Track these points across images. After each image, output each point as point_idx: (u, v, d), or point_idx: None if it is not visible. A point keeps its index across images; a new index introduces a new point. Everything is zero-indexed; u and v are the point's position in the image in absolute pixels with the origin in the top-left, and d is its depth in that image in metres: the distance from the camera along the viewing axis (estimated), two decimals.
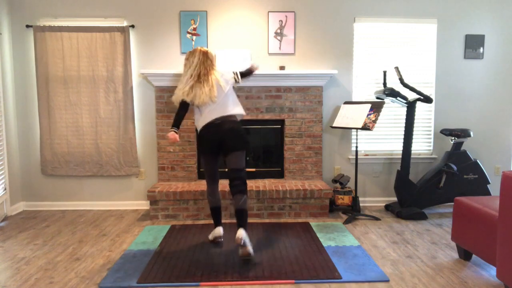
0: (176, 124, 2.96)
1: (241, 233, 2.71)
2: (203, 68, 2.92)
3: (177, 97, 2.94)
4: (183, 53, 4.09)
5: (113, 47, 4.00)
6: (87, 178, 4.20)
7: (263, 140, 4.24)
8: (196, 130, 3.05)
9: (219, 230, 3.13)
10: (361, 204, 4.33)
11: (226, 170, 2.96)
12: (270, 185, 3.89)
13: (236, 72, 3.05)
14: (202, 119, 2.92)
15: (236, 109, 2.99)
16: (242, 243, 2.68)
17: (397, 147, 4.31)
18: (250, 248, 2.72)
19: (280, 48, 4.12)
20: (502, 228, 2.18)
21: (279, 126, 4.20)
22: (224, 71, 3.04)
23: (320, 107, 4.14)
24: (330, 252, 2.90)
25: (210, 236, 3.18)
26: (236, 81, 3.04)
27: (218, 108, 2.91)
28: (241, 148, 2.89)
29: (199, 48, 2.98)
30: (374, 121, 3.62)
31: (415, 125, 4.11)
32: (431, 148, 4.34)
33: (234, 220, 3.72)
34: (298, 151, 4.17)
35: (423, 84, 4.25)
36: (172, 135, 2.93)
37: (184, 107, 2.96)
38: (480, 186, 3.87)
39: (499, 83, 4.28)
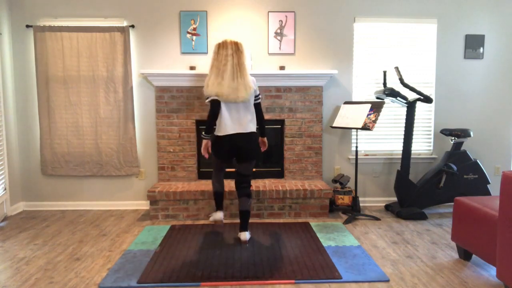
0: (210, 131, 2.95)
1: (246, 236, 3.05)
2: (237, 59, 2.86)
3: (210, 90, 2.85)
4: (183, 53, 4.09)
5: (113, 47, 4.00)
6: (87, 178, 4.20)
7: None
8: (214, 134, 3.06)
9: (220, 215, 3.32)
10: (361, 204, 4.33)
11: (234, 170, 3.17)
12: (270, 185, 3.89)
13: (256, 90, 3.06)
14: (224, 126, 2.91)
15: (254, 127, 3.05)
16: (247, 244, 3.02)
17: (397, 147, 4.31)
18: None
19: (280, 48, 4.12)
20: (502, 228, 2.18)
21: (279, 126, 4.20)
22: (252, 78, 3.04)
23: (320, 107, 4.14)
24: (330, 252, 2.90)
25: (211, 218, 3.37)
26: (256, 96, 3.05)
27: (244, 120, 2.93)
28: (255, 158, 3.08)
29: (229, 39, 2.92)
30: (374, 121, 3.62)
31: (415, 125, 4.12)
32: (431, 148, 4.34)
33: (235, 221, 3.72)
34: (298, 151, 4.17)
35: (423, 84, 4.25)
36: (206, 144, 3.01)
37: (218, 106, 2.89)
38: (480, 186, 3.87)
39: (499, 83, 4.28)
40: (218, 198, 3.31)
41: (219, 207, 3.34)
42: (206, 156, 3.02)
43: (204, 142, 3.02)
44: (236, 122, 2.93)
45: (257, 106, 3.08)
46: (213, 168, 3.27)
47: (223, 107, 2.92)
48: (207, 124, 2.93)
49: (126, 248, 3.04)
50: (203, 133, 2.99)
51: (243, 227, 3.08)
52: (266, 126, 4.15)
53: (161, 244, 3.09)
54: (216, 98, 2.88)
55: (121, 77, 4.03)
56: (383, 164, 4.31)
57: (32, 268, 2.67)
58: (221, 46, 2.90)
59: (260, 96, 3.08)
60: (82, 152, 4.10)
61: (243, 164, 3.05)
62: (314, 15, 4.13)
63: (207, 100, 2.95)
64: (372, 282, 2.44)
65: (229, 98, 2.84)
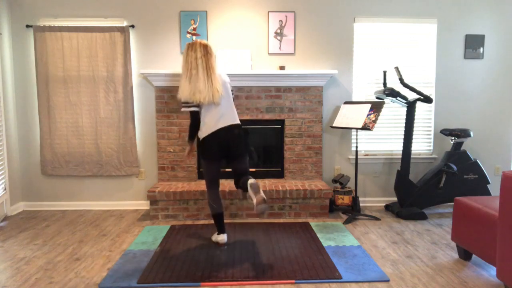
0: (193, 137, 2.95)
1: (253, 180, 2.67)
2: (206, 62, 2.84)
3: (187, 97, 2.83)
4: (183, 53, 4.09)
5: (113, 47, 4.00)
6: (87, 178, 4.20)
7: (263, 140, 4.24)
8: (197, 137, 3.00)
9: (224, 238, 3.05)
10: (361, 204, 4.33)
11: (231, 170, 3.04)
12: (270, 185, 3.89)
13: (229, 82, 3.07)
14: (207, 127, 2.86)
15: (237, 117, 3.00)
16: (264, 199, 2.59)
17: (397, 147, 4.31)
18: (263, 194, 2.64)
19: (280, 48, 4.12)
20: (502, 228, 2.18)
21: (279, 126, 4.20)
22: (222, 73, 3.02)
23: (320, 107, 4.14)
24: (330, 252, 2.90)
25: (214, 239, 3.13)
26: (232, 90, 3.07)
27: (225, 115, 2.89)
28: (246, 152, 2.98)
29: (198, 41, 2.89)
30: (374, 121, 3.62)
31: (415, 125, 4.12)
32: (431, 148, 4.34)
33: (235, 220, 3.72)
34: (298, 151, 4.17)
35: (423, 84, 4.25)
36: (192, 148, 3.01)
37: (197, 115, 2.90)
38: (480, 186, 3.87)
39: (499, 83, 4.28)
40: (219, 220, 3.03)
41: (222, 229, 3.05)
42: (190, 158, 3.00)
43: (188, 148, 3.04)
44: (218, 118, 2.87)
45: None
46: (207, 184, 3.02)
47: (203, 109, 2.88)
48: (190, 132, 2.95)
49: (126, 248, 3.04)
50: (187, 139, 3.00)
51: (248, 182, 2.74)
52: (266, 126, 4.16)
53: (161, 244, 3.09)
54: (194, 109, 2.87)
55: (121, 77, 4.03)
56: (383, 164, 4.31)
57: (32, 268, 2.67)
58: (190, 48, 2.87)
59: (232, 89, 3.08)
60: (82, 152, 4.10)
61: (237, 161, 2.93)
62: (314, 15, 4.13)
63: (184, 109, 2.90)
64: (372, 282, 2.44)
65: (205, 101, 2.82)
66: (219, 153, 2.89)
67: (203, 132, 2.89)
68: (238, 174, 2.96)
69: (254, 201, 2.60)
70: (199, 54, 2.84)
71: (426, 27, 4.20)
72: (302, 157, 4.17)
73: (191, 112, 2.90)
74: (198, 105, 2.87)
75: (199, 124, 2.92)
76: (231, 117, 2.93)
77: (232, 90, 3.06)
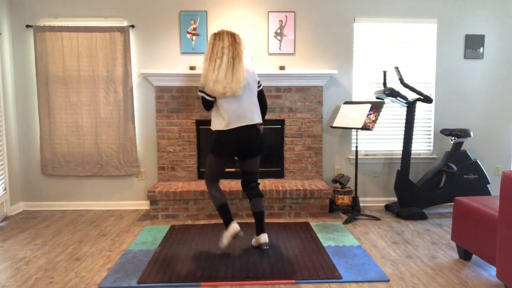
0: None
1: (266, 238, 2.92)
2: (233, 51, 2.74)
3: (206, 85, 2.74)
4: (183, 53, 4.09)
5: (113, 47, 4.00)
6: (87, 178, 4.20)
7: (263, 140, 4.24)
8: (215, 131, 2.88)
9: (236, 226, 2.85)
10: (361, 204, 4.33)
11: (239, 170, 3.00)
12: (270, 185, 3.89)
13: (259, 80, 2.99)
14: (226, 120, 2.76)
15: (259, 117, 2.91)
16: (267, 247, 2.93)
17: (397, 147, 4.31)
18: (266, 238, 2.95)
19: (280, 48, 4.12)
20: (502, 228, 2.18)
21: (279, 126, 4.20)
22: (250, 68, 2.91)
23: (320, 107, 4.14)
24: (330, 252, 2.90)
25: (226, 240, 2.87)
26: (259, 85, 2.96)
27: (247, 112, 2.80)
28: (261, 152, 2.94)
29: (225, 30, 2.80)
30: (374, 121, 3.62)
31: (415, 125, 4.11)
32: (431, 148, 4.34)
33: (236, 220, 3.71)
34: (298, 151, 4.17)
35: (423, 84, 4.25)
36: None
37: (210, 104, 2.82)
38: (480, 186, 3.87)
39: (499, 83, 4.28)
40: (225, 211, 2.88)
41: (230, 219, 2.88)
42: None
43: None
44: (239, 114, 2.77)
45: (260, 93, 2.97)
46: (209, 177, 2.91)
47: (223, 101, 2.76)
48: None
49: (126, 248, 3.04)
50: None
51: (261, 228, 2.91)
52: (266, 126, 4.15)
53: (161, 244, 3.09)
54: (209, 98, 2.78)
55: (121, 77, 4.03)
56: (383, 164, 4.31)
57: (32, 268, 2.67)
58: (217, 37, 2.77)
59: (261, 83, 2.98)
60: (82, 152, 4.10)
61: (250, 161, 2.89)
62: (314, 15, 4.13)
63: (199, 93, 2.81)
64: (372, 282, 2.44)
65: (226, 94, 2.72)
66: (233, 151, 2.82)
67: (220, 125, 2.78)
68: (247, 173, 2.94)
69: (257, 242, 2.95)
70: (226, 43, 2.74)
71: (426, 27, 4.20)
72: (302, 157, 4.17)
73: (204, 99, 2.81)
74: (212, 96, 2.78)
75: (210, 110, 2.87)
76: (253, 115, 2.82)
77: (259, 86, 2.94)
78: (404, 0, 4.15)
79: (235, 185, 3.92)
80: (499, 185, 4.40)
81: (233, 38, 2.78)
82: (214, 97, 2.79)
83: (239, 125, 2.77)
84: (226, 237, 2.86)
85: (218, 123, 2.81)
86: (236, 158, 2.97)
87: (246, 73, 2.80)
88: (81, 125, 4.08)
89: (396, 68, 3.75)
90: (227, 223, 2.88)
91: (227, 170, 4.15)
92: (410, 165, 4.26)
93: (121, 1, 4.05)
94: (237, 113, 2.77)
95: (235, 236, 2.86)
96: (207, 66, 2.76)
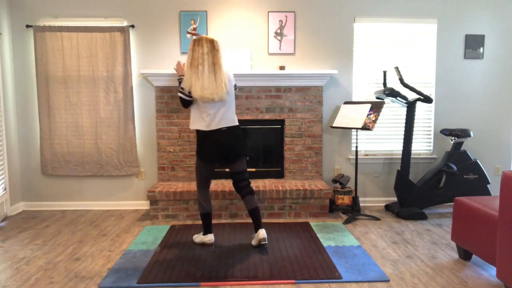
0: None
1: (264, 233, 2.94)
2: (212, 58, 2.79)
3: (195, 92, 2.77)
4: (183, 53, 4.09)
5: (113, 47, 4.00)
6: (87, 178, 4.20)
7: (263, 140, 4.24)
8: (197, 132, 2.96)
9: (212, 238, 3.02)
10: (361, 204, 4.33)
11: (228, 170, 3.03)
12: (270, 185, 3.89)
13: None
14: (207, 124, 2.83)
15: (236, 118, 3.00)
16: (266, 242, 2.93)
17: (397, 147, 4.31)
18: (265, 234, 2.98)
19: (280, 48, 4.12)
20: (502, 228, 2.18)
21: (279, 126, 4.20)
22: (229, 71, 2.99)
23: (320, 107, 4.14)
24: (330, 252, 2.90)
25: (198, 240, 3.06)
26: (235, 87, 3.04)
27: (226, 115, 2.87)
28: (245, 153, 3.02)
29: (204, 36, 2.84)
30: (374, 121, 3.62)
31: (415, 125, 4.11)
32: (431, 148, 4.34)
33: (235, 221, 3.72)
34: (298, 151, 4.17)
35: (423, 84, 4.25)
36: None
37: (188, 103, 2.87)
38: (480, 186, 3.87)
39: (499, 83, 4.28)
40: (208, 220, 3.01)
41: (210, 230, 3.03)
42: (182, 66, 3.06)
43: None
44: (221, 116, 2.84)
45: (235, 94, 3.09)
46: (198, 183, 3.00)
47: (207, 104, 2.82)
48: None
49: (126, 248, 3.04)
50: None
51: (258, 225, 2.97)
52: (266, 126, 4.16)
53: (161, 244, 3.09)
54: (187, 98, 2.82)
55: (121, 77, 4.03)
56: (383, 164, 4.31)
57: (32, 268, 2.67)
58: (196, 43, 2.82)
59: (237, 85, 3.08)
60: (82, 152, 4.10)
61: (235, 163, 2.97)
62: (314, 15, 4.13)
63: (179, 94, 2.85)
64: (372, 282, 2.44)
65: (214, 100, 2.79)
66: (217, 155, 2.89)
67: (201, 125, 2.85)
68: (235, 173, 3.01)
69: (257, 240, 2.96)
70: (205, 49, 2.79)
71: (426, 27, 4.20)
72: (302, 157, 4.17)
73: (182, 98, 2.84)
74: (191, 96, 2.83)
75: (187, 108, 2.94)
76: (231, 118, 2.93)
77: (235, 88, 3.03)
78: (404, 0, 4.15)
79: None
80: (499, 185, 4.40)
81: (212, 45, 2.82)
82: (191, 97, 2.85)
83: (219, 127, 2.86)
84: (198, 239, 3.08)
85: (199, 124, 2.87)
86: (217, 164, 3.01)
87: (227, 79, 2.88)
88: (81, 125, 4.08)
89: (396, 68, 3.75)
90: (205, 231, 3.04)
91: (226, 170, 4.15)
92: (410, 165, 4.26)
93: (121, 1, 4.05)
94: (218, 115, 2.85)
95: (206, 245, 3.04)
96: (190, 71, 2.82)
